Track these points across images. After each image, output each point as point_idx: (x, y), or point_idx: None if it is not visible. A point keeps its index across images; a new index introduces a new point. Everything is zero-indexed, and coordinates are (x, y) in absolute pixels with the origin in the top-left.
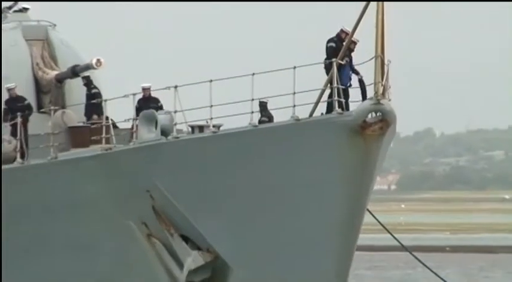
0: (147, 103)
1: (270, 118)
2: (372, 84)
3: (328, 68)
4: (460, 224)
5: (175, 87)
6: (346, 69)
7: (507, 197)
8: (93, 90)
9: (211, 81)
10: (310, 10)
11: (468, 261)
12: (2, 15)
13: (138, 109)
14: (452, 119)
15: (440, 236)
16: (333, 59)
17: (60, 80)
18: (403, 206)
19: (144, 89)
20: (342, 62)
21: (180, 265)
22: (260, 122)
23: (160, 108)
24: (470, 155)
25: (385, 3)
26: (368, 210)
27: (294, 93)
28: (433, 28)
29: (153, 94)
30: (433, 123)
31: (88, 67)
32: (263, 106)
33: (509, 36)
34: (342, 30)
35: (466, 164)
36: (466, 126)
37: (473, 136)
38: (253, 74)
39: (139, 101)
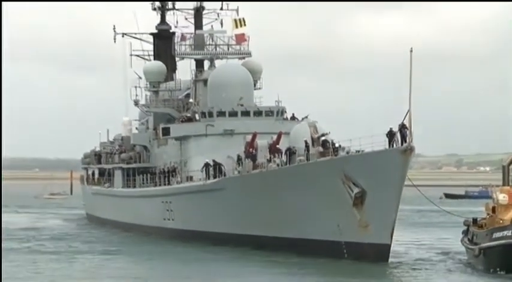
0: None
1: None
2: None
3: (390, 135)
4: None
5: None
6: (403, 132)
7: None
8: None
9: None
10: None
11: None
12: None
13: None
14: None
15: None
16: (392, 128)
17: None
18: None
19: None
20: (396, 131)
21: (353, 190)
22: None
23: None
24: None
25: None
26: None
27: (386, 140)
28: None
29: None
30: None
31: None
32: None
33: None
34: (390, 128)
35: None
36: None
37: None
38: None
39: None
